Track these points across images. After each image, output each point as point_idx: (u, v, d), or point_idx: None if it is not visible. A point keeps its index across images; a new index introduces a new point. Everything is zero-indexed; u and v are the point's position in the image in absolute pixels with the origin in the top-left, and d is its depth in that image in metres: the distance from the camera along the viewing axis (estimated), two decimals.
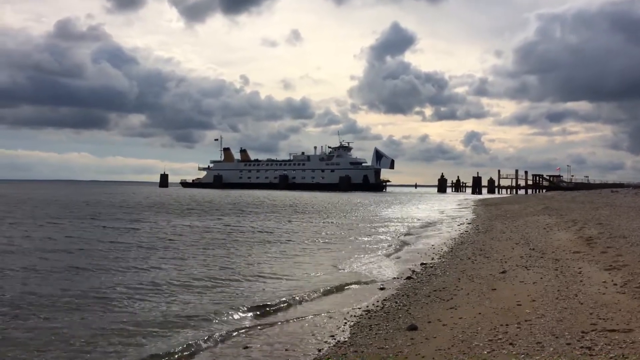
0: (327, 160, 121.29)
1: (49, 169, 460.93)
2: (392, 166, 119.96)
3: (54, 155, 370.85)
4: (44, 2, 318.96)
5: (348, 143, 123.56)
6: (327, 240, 18.42)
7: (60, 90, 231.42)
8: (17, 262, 12.44)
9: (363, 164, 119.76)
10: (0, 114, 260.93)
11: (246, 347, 6.46)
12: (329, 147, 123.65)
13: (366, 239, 19.11)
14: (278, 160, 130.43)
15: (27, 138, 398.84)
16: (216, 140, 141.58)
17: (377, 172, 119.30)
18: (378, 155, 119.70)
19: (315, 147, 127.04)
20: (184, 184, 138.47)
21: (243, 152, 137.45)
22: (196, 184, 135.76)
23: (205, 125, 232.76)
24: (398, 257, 14.16)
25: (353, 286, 10.21)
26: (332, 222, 26.84)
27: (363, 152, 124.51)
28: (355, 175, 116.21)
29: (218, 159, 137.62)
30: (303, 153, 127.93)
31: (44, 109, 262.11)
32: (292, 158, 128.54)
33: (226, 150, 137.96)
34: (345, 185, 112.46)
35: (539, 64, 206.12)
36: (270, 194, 77.21)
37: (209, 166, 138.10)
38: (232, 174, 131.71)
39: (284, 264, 13.04)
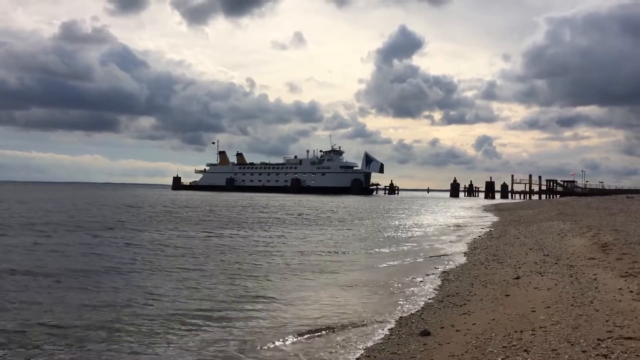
0: (318, 164, 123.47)
1: (63, 171, 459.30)
2: (381, 170, 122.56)
3: (68, 158, 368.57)
4: (56, 3, 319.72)
5: (339, 147, 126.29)
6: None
7: (69, 92, 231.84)
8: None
9: (354, 168, 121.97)
10: (12, 115, 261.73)
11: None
12: (320, 151, 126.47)
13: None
14: (271, 164, 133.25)
15: (40, 140, 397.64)
16: (213, 143, 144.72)
17: (367, 176, 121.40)
18: (368, 159, 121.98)
19: (307, 151, 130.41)
20: (183, 186, 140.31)
21: (239, 155, 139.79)
22: (193, 186, 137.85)
23: (215, 128, 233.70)
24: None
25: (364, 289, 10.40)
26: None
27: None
28: (345, 179, 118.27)
29: (215, 162, 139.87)
30: (295, 157, 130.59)
31: (54, 111, 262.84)
32: (284, 162, 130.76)
33: (222, 154, 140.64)
34: (357, 188, 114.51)
35: (548, 68, 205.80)
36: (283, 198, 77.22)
37: (204, 169, 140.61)
38: (226, 177, 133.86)
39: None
